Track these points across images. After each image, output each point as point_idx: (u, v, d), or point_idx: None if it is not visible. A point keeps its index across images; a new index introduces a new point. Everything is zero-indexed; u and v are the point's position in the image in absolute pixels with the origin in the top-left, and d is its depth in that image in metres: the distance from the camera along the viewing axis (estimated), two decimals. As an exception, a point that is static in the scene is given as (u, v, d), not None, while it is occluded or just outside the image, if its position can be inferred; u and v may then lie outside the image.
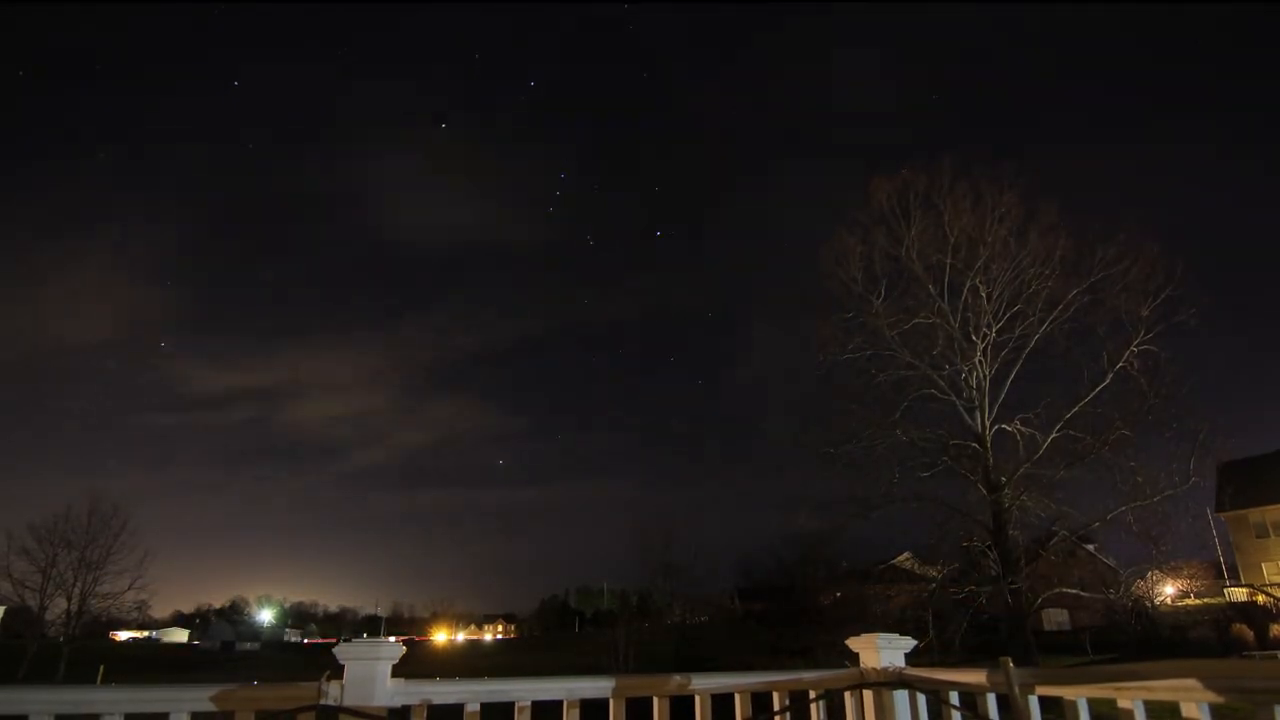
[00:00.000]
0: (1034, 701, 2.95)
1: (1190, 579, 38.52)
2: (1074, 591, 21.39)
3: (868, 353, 22.16)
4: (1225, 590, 39.10)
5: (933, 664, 3.38)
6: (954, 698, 3.42)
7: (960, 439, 21.08)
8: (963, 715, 3.23)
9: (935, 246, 21.60)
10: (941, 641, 20.02)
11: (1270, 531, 40.85)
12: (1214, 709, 2.36)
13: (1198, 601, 39.23)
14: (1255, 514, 41.21)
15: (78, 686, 2.94)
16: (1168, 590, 37.69)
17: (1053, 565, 21.70)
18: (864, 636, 4.05)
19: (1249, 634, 29.29)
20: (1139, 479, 19.18)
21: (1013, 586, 19.05)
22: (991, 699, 3.11)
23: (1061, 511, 20.30)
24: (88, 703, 2.92)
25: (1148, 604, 30.09)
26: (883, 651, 3.92)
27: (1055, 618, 45.62)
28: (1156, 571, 22.10)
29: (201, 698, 3.01)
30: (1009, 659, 3.00)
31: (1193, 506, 19.84)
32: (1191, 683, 2.26)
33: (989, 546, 20.12)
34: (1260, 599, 34.84)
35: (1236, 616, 32.05)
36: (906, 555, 38.26)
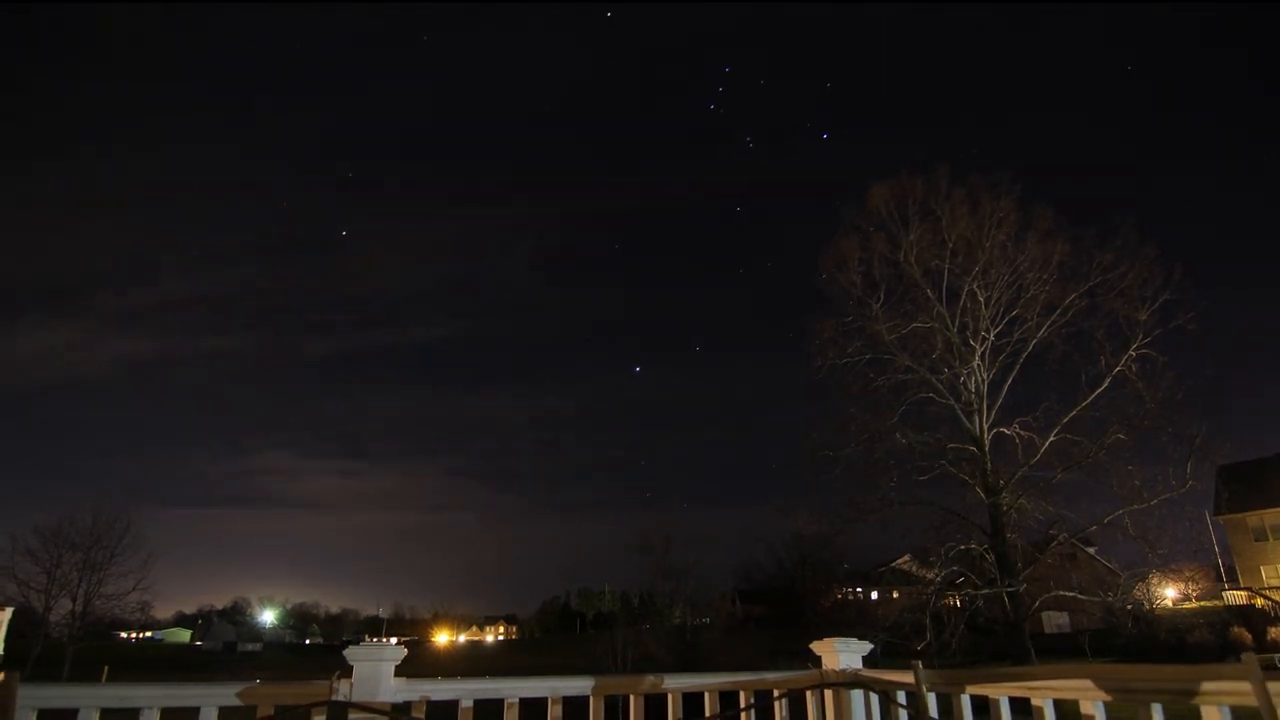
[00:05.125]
0: (966, 700, 3.25)
1: (1189, 582, 38.63)
2: (1071, 594, 21.52)
3: (866, 356, 22.35)
4: (1224, 593, 39.20)
5: (930, 667, 3.66)
6: (901, 696, 3.73)
7: (959, 442, 21.23)
8: (907, 712, 3.49)
9: (934, 251, 21.79)
10: (940, 644, 20.14)
11: (1269, 535, 40.96)
12: (1108, 707, 2.59)
13: (1196, 604, 39.33)
14: (1253, 517, 41.32)
15: (120, 684, 3.22)
16: (1168, 593, 37.78)
17: (1051, 568, 21.83)
18: (824, 641, 4.34)
19: (1247, 637, 29.42)
20: (1136, 482, 19.32)
21: (1010, 590, 19.17)
22: (932, 697, 3.44)
23: (1059, 515, 20.42)
24: (129, 698, 3.22)
25: (1146, 606, 30.22)
26: (841, 654, 4.21)
27: (1056, 620, 45.77)
28: (1157, 575, 22.19)
29: (228, 694, 3.32)
30: (919, 662, 3.35)
31: (1190, 510, 19.93)
32: (1087, 684, 2.51)
33: (987, 550, 20.26)
34: (1259, 602, 34.97)
35: (1235, 619, 32.18)
36: (906, 558, 38.41)
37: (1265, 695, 1.76)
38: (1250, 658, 1.79)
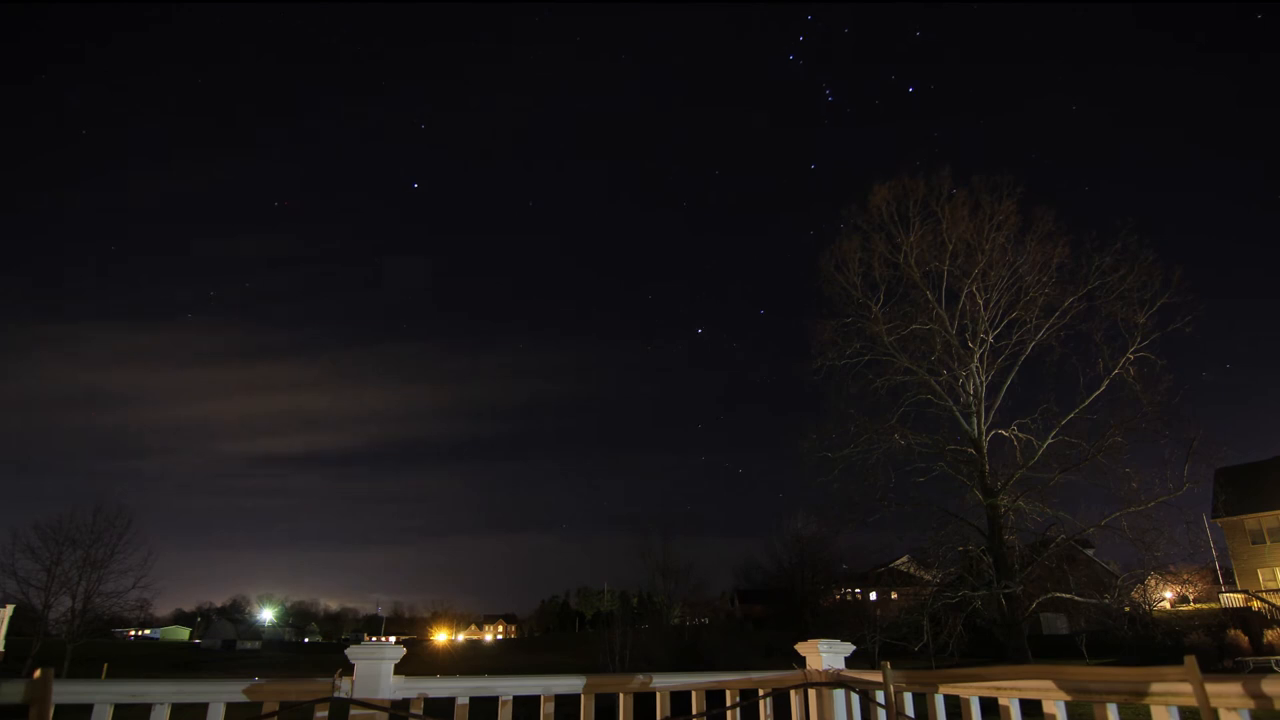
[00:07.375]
0: (940, 700, 3.40)
1: (1187, 584, 38.70)
2: (1069, 596, 21.60)
3: (866, 358, 22.43)
4: (1221, 596, 39.28)
5: (928, 668, 3.82)
6: (880, 696, 3.85)
7: (957, 444, 21.31)
8: (885, 711, 3.65)
9: (934, 253, 21.85)
10: (938, 645, 20.23)
11: (1266, 537, 41.02)
12: (1069, 707, 2.71)
13: (1193, 607, 39.42)
14: (1251, 520, 41.38)
15: (134, 681, 3.35)
16: (1166, 595, 37.87)
17: (1049, 570, 21.88)
18: (809, 642, 4.48)
19: (1244, 639, 29.51)
20: (1134, 485, 19.41)
21: (1007, 591, 19.26)
22: (909, 697, 3.57)
23: (1057, 517, 20.49)
24: (143, 694, 3.35)
25: (1145, 607, 30.30)
26: (824, 655, 4.34)
27: (1054, 622, 45.87)
28: (1154, 577, 22.27)
29: (235, 690, 3.45)
30: (888, 663, 3.49)
31: (1187, 512, 20.00)
32: (1049, 684, 2.62)
33: (984, 551, 20.34)
34: (1256, 605, 35.06)
35: (1232, 622, 32.26)
36: (905, 559, 38.47)
37: (1204, 697, 1.85)
38: (1191, 661, 1.87)
